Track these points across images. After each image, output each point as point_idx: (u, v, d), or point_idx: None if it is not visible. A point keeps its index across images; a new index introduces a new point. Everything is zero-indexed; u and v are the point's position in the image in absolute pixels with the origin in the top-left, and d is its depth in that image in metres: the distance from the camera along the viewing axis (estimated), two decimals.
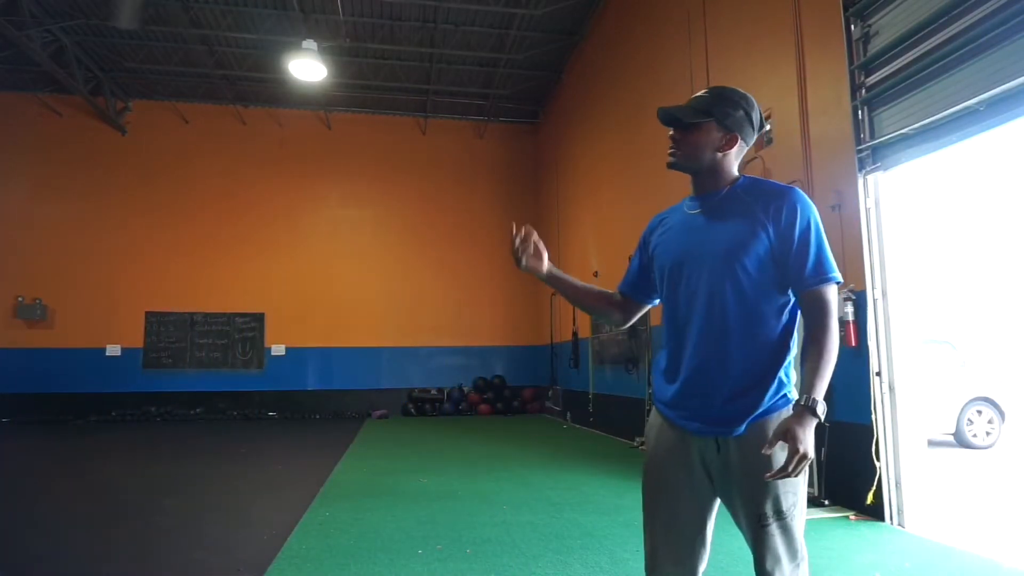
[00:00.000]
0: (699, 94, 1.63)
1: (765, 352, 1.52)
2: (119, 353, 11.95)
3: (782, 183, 1.61)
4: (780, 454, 1.43)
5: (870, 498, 4.13)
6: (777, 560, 1.49)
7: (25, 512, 4.57)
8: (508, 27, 10.27)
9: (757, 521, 1.50)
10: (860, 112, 4.42)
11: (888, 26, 4.24)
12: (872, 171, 4.32)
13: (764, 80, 5.56)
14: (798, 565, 1.51)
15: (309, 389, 12.53)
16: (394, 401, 12.56)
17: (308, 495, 4.95)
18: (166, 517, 4.37)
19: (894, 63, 4.14)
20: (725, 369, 1.53)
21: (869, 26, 4.41)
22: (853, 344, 4.30)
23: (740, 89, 1.65)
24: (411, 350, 12.93)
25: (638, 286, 1.83)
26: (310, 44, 9.23)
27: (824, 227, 1.56)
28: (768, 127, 5.60)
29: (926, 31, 3.89)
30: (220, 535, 3.97)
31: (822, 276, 1.50)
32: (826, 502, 4.45)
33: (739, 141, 1.61)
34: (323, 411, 12.30)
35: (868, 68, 4.39)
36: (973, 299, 12.45)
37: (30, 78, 11.30)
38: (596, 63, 10.02)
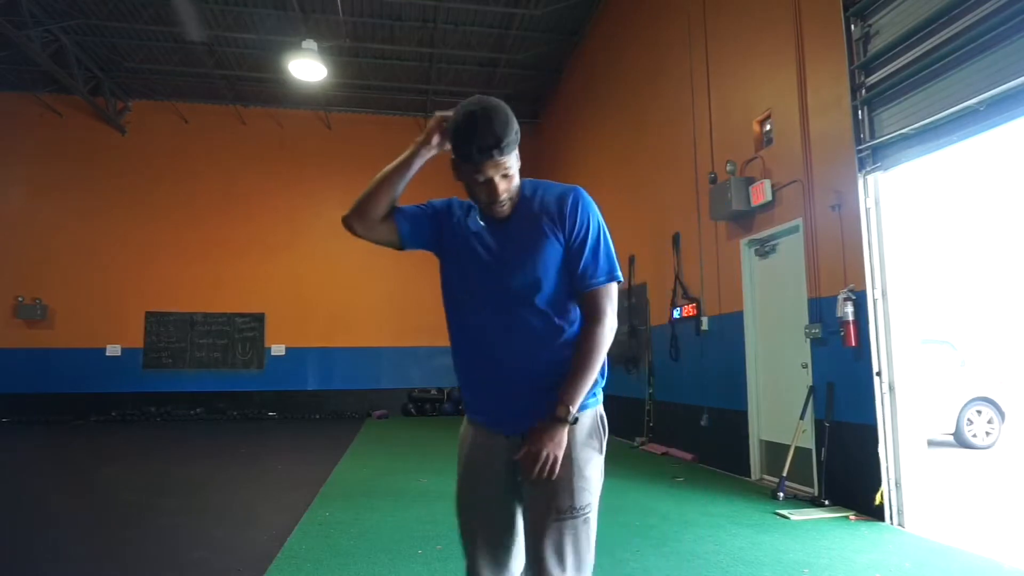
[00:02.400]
0: (498, 126, 1.39)
1: (560, 360, 1.51)
2: (119, 353, 11.95)
3: (564, 184, 1.56)
4: (580, 452, 1.48)
5: (878, 499, 4.11)
6: (561, 562, 1.43)
7: (25, 512, 4.58)
8: (508, 27, 10.27)
9: (547, 516, 1.45)
10: (860, 112, 4.43)
11: (888, 26, 4.24)
12: (872, 171, 4.32)
13: (764, 80, 5.57)
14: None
15: (309, 389, 12.52)
16: (394, 401, 12.56)
17: (308, 495, 4.96)
18: (166, 517, 4.37)
19: (894, 63, 4.14)
20: (525, 375, 1.53)
21: (869, 26, 4.41)
22: (853, 344, 4.30)
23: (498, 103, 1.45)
24: (411, 350, 12.91)
25: (414, 228, 1.67)
26: (310, 44, 9.23)
27: (604, 229, 1.55)
28: (768, 127, 5.61)
29: (926, 31, 3.89)
30: (220, 535, 3.97)
31: (597, 276, 1.51)
32: (826, 502, 4.45)
33: None
34: (323, 411, 12.30)
35: (868, 68, 4.39)
36: (973, 299, 12.45)
37: (30, 78, 11.30)
38: (596, 63, 10.02)
